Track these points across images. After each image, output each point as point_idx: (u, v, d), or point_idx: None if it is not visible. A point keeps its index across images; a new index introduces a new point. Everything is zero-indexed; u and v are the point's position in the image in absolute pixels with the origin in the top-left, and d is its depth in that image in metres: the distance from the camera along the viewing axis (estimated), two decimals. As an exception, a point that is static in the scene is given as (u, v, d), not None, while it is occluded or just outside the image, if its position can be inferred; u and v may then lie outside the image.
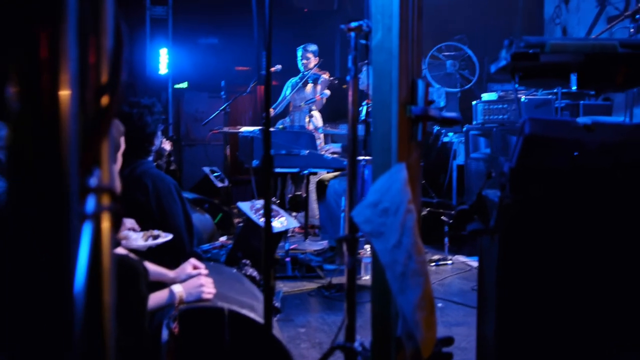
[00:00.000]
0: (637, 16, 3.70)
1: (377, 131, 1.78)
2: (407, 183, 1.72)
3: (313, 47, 7.15)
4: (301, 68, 7.08)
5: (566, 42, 1.73)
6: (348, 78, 1.86)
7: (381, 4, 1.73)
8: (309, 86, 7.14)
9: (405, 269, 1.69)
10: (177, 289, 2.56)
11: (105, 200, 0.83)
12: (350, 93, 1.80)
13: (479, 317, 2.14)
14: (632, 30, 3.72)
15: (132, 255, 2.49)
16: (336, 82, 7.26)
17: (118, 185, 2.56)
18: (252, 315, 2.58)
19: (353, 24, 1.79)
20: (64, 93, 0.65)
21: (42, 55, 0.62)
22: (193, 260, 2.89)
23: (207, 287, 2.60)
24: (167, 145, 6.26)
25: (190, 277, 2.78)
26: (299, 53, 7.12)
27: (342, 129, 7.91)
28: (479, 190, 2.03)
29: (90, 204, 0.80)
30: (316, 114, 6.83)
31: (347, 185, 1.82)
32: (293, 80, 7.20)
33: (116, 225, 0.89)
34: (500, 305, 1.82)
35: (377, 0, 1.74)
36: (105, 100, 0.87)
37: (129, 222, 3.02)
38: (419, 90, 1.76)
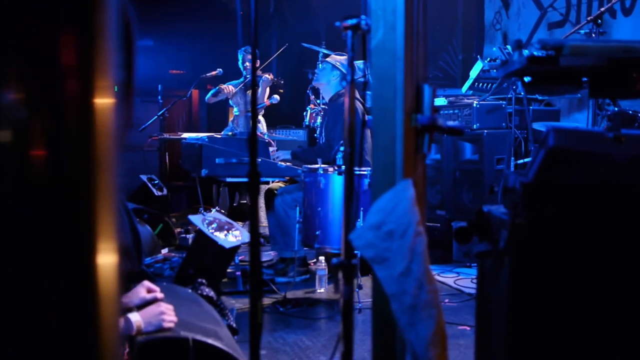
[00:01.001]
0: (600, 21, 3.65)
1: (378, 143, 1.57)
2: (415, 202, 1.52)
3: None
4: (243, 71, 6.81)
5: (586, 44, 1.58)
6: (344, 83, 1.65)
7: (383, -1, 1.53)
8: (257, 89, 6.88)
9: (415, 300, 1.49)
10: (135, 317, 2.28)
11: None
12: (346, 100, 1.59)
13: (479, 342, 1.97)
14: (593, 35, 3.67)
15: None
16: (282, 82, 7.03)
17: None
18: (218, 344, 2.33)
19: (349, 22, 1.57)
20: (103, 101, 0.44)
21: (64, 60, 0.42)
22: (147, 283, 2.60)
23: (168, 315, 2.33)
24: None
25: (145, 301, 2.51)
26: (240, 56, 6.84)
27: (281, 135, 7.68)
28: (479, 206, 1.85)
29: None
30: (261, 119, 6.58)
31: (344, 204, 1.61)
32: (234, 83, 6.92)
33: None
34: (512, 333, 1.65)
35: (378, -5, 1.53)
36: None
37: None
38: (425, 96, 1.56)
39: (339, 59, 4.96)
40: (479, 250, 1.75)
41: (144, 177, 6.73)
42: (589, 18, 3.80)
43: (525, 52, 1.56)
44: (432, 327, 1.50)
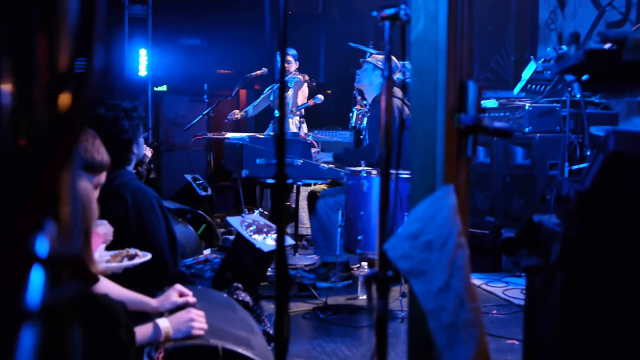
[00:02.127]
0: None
1: (417, 144, 1.44)
2: (457, 210, 1.38)
3: (293, 51, 6.78)
4: (282, 72, 6.71)
5: (652, 37, 1.42)
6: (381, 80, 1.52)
7: (424, -13, 1.40)
8: (290, 91, 6.77)
9: (455, 318, 1.35)
10: (164, 324, 2.20)
11: (65, 278, 0.48)
12: (383, 98, 1.46)
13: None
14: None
15: (111, 286, 2.13)
16: (313, 84, 6.93)
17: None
18: (249, 353, 2.23)
19: (387, 11, 1.44)
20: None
21: None
22: (179, 287, 2.52)
23: (198, 322, 2.23)
24: (147, 152, 5.88)
25: (176, 305, 2.42)
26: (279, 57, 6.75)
27: (326, 136, 7.55)
28: (529, 216, 1.70)
29: (36, 288, 0.45)
30: (302, 120, 6.49)
31: (379, 210, 1.48)
32: (277, 85, 6.83)
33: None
34: (567, 355, 1.49)
35: (419, -17, 1.40)
36: (66, 99, 0.52)
37: (103, 228, 2.57)
38: (469, 94, 1.42)
39: (380, 59, 4.81)
40: (528, 264, 1.60)
41: (188, 177, 6.72)
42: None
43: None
44: (473, 349, 1.35)
